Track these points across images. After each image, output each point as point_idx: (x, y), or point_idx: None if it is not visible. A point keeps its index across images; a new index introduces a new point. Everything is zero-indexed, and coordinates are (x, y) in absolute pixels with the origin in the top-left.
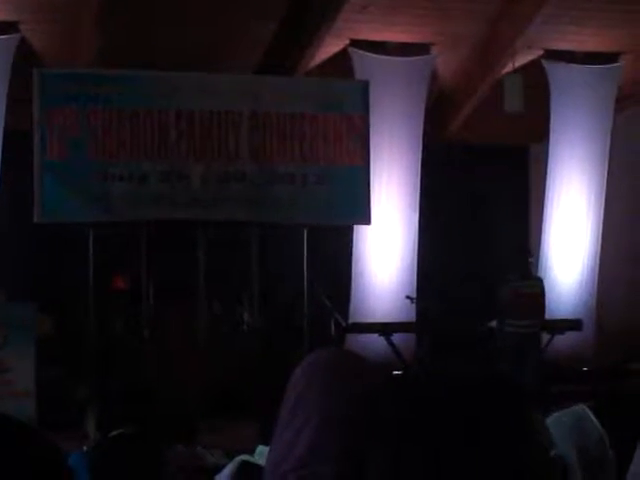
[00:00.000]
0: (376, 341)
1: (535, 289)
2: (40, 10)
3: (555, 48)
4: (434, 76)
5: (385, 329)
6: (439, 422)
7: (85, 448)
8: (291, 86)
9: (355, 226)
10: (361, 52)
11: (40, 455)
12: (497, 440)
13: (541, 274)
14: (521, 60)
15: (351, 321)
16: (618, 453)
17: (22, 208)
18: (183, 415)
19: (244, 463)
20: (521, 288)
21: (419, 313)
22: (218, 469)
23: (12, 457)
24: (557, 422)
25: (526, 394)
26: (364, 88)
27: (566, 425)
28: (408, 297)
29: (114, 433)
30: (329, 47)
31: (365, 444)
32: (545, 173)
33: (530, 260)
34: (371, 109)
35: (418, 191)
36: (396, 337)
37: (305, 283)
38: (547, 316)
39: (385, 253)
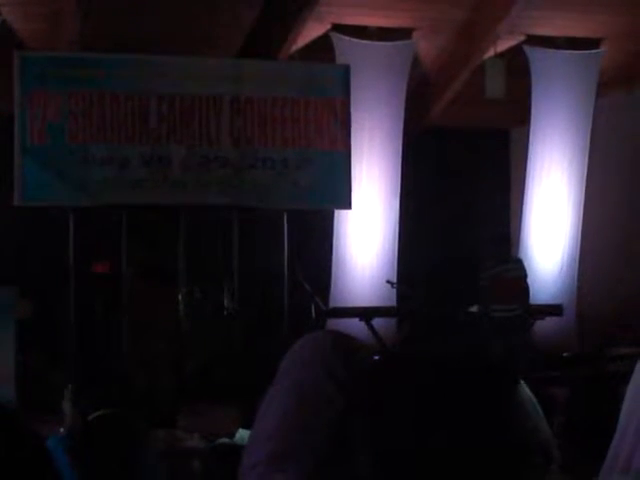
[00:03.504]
0: (357, 325)
1: (516, 272)
2: None
3: (537, 33)
4: (415, 61)
5: (366, 313)
6: (424, 405)
7: (62, 430)
8: (272, 70)
9: (336, 210)
10: (343, 37)
11: (17, 438)
12: (481, 423)
13: (521, 258)
14: (503, 45)
15: (331, 305)
16: (595, 438)
17: (2, 191)
18: (163, 399)
19: (220, 444)
20: (501, 273)
21: (399, 298)
22: (197, 453)
23: None
24: None
25: (513, 375)
26: (345, 72)
27: None
28: (389, 282)
29: (93, 415)
30: (311, 31)
31: (348, 421)
32: (526, 157)
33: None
34: (352, 93)
35: (399, 175)
36: (377, 321)
37: (285, 268)
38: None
39: (366, 238)
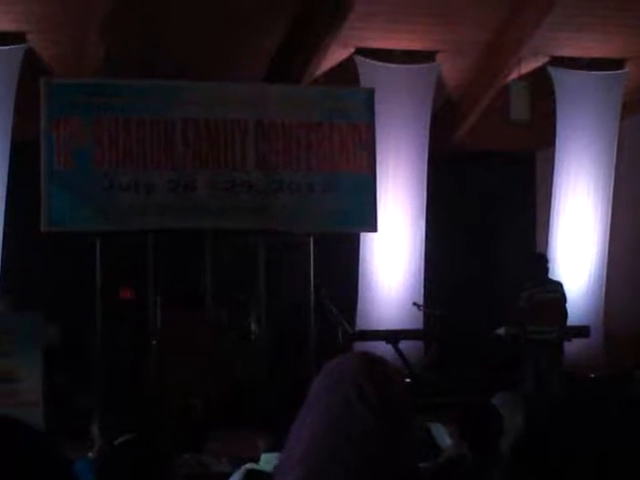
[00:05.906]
0: (383, 348)
1: (555, 294)
2: (46, 21)
3: (561, 55)
4: (440, 83)
5: (392, 336)
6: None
7: (90, 455)
8: (297, 94)
9: (362, 234)
10: (367, 60)
11: (47, 461)
12: None
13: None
14: (527, 67)
15: (358, 329)
16: (627, 457)
17: (29, 217)
18: (189, 423)
19: (250, 471)
20: (539, 293)
21: (426, 320)
22: (224, 477)
23: (19, 462)
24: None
25: None
26: (370, 96)
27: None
28: (415, 304)
29: (120, 440)
30: (335, 55)
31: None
32: (551, 179)
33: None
34: (377, 117)
35: (424, 198)
36: (403, 344)
37: (312, 291)
38: None
39: (392, 260)
